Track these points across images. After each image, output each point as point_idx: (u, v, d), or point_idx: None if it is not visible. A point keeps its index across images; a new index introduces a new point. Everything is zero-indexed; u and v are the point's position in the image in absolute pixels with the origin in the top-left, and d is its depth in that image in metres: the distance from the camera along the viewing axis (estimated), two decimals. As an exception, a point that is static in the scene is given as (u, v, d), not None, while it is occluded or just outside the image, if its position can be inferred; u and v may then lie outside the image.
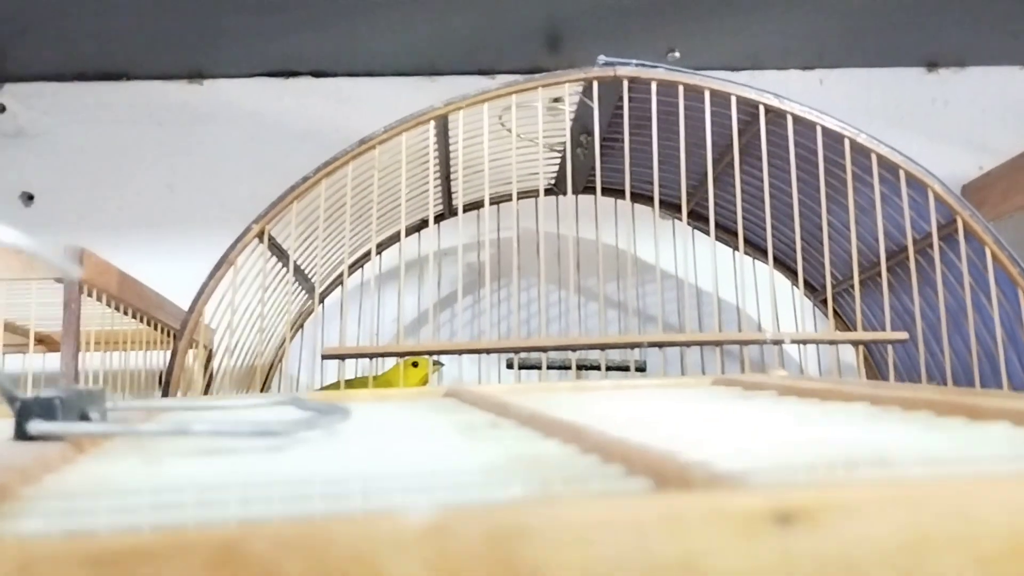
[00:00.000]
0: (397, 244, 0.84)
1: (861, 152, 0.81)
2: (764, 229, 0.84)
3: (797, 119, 0.81)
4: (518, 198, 1.05)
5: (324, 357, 0.74)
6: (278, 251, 0.83)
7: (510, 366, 0.90)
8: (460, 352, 0.75)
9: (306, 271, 0.96)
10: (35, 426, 0.27)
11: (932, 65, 1.32)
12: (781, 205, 0.93)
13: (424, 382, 1.00)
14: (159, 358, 0.94)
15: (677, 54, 1.22)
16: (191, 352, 0.79)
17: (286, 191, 0.78)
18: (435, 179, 0.98)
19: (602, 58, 0.81)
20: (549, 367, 0.94)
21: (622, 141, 0.83)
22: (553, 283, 1.16)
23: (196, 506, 0.19)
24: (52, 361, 0.89)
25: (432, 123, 0.81)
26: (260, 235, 0.78)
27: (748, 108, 0.83)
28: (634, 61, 0.81)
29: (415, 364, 1.00)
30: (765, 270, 1.04)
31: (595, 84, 0.80)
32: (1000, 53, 1.29)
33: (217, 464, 0.24)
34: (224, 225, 0.89)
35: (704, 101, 0.80)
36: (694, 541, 0.15)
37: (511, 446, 0.26)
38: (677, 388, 0.46)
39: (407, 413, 0.38)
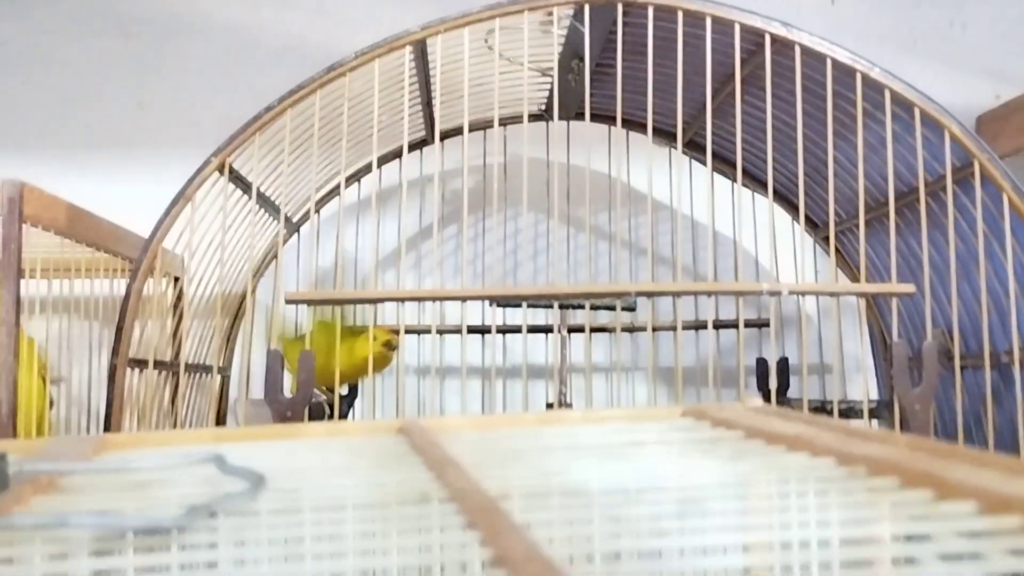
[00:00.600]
0: (373, 174, 0.79)
1: (873, 87, 0.75)
2: (764, 162, 0.78)
3: (806, 50, 0.74)
4: (506, 123, 0.99)
5: (287, 302, 0.69)
6: (243, 184, 0.78)
7: (494, 303, 0.85)
8: (435, 299, 0.70)
9: (277, 203, 0.90)
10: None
11: (951, -15, 1.24)
12: (784, 138, 0.87)
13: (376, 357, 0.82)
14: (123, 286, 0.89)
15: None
16: (149, 280, 0.75)
17: (249, 120, 0.73)
18: (416, 104, 0.92)
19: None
20: (533, 306, 0.89)
21: (615, 67, 0.76)
22: (541, 213, 1.10)
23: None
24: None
25: (408, 48, 0.74)
26: (220, 168, 0.72)
27: (753, 37, 0.76)
28: (630, -18, 0.74)
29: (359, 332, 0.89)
30: (764, 204, 0.98)
31: (587, 8, 0.74)
32: (1024, -26, 1.21)
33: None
34: (199, 145, 0.81)
35: (705, 28, 0.74)
36: None
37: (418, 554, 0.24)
38: (645, 423, 0.41)
39: (340, 473, 0.34)
